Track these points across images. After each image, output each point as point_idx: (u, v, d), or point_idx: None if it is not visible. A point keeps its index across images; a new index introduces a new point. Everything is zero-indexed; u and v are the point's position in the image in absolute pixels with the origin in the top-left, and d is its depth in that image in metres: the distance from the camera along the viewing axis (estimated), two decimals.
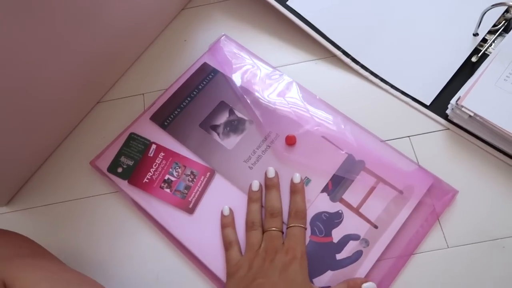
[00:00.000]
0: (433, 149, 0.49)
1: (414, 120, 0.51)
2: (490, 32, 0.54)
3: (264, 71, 0.54)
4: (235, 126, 0.50)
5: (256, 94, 0.52)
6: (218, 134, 0.50)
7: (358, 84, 0.53)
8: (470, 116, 0.46)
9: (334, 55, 0.55)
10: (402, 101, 0.52)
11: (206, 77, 0.54)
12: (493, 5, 0.50)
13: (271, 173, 0.47)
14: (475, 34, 0.53)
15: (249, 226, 0.44)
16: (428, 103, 0.51)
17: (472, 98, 0.47)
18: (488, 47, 0.52)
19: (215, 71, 0.54)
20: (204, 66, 0.55)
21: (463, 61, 0.52)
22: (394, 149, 0.48)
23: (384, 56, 0.54)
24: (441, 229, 0.45)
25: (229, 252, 0.44)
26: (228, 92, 0.52)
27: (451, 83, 0.51)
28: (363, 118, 0.51)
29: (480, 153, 0.48)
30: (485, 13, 0.51)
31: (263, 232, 0.44)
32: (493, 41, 0.53)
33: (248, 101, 0.51)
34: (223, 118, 0.51)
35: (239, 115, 0.51)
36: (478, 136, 0.48)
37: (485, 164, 0.48)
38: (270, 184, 0.46)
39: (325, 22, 0.55)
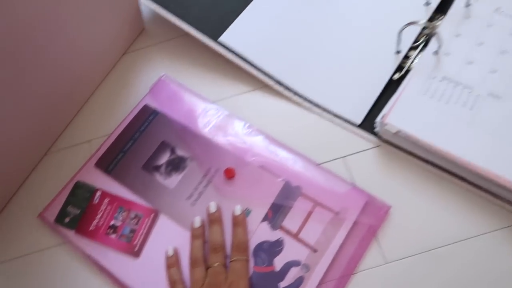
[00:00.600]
0: (367, 167, 0.50)
1: (347, 141, 0.51)
2: (412, 49, 0.55)
3: (202, 107, 0.54)
4: (176, 164, 0.51)
5: (196, 130, 0.52)
6: (160, 174, 0.50)
7: (292, 110, 0.54)
8: (395, 132, 0.47)
9: (268, 85, 0.55)
10: (334, 123, 0.53)
11: (147, 118, 0.54)
12: (406, 24, 0.51)
13: (212, 208, 0.47)
14: (398, 52, 0.54)
15: (192, 263, 0.45)
16: (358, 123, 0.52)
17: (395, 115, 0.48)
18: (410, 64, 0.54)
19: (156, 112, 0.54)
20: (145, 108, 0.55)
21: (388, 79, 0.53)
22: (328, 172, 0.49)
23: (314, 81, 0.54)
24: (378, 246, 0.45)
25: None
26: (169, 132, 0.53)
27: (378, 101, 0.52)
28: (299, 144, 0.51)
29: (410, 166, 0.49)
30: (400, 32, 0.52)
31: (207, 268, 0.44)
32: (415, 57, 0.54)
33: (188, 139, 0.52)
34: (164, 158, 0.51)
35: (180, 153, 0.51)
36: (407, 150, 0.49)
37: (416, 177, 0.48)
38: (212, 219, 0.47)
39: (256, 53, 0.56)
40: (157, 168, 0.51)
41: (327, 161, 0.50)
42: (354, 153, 0.51)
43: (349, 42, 0.56)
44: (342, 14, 0.58)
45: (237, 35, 0.57)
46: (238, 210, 0.47)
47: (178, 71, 0.59)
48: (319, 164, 0.50)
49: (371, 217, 0.46)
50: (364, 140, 0.51)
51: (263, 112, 0.54)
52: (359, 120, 0.52)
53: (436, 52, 0.51)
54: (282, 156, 0.50)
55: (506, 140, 0.45)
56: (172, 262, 0.45)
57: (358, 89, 0.53)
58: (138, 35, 0.63)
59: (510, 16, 0.52)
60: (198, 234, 0.46)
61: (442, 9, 0.56)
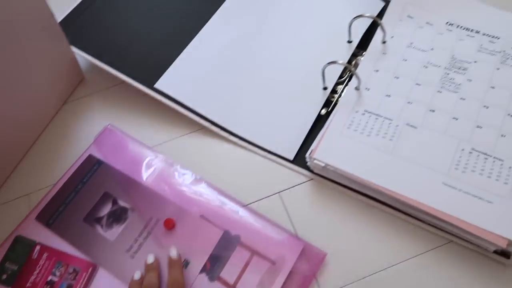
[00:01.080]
0: (301, 200, 0.51)
1: (282, 176, 0.53)
2: (339, 84, 0.57)
3: (145, 154, 0.54)
4: (118, 216, 0.50)
5: (138, 180, 0.52)
6: (102, 226, 0.50)
7: (229, 150, 0.55)
8: (323, 166, 0.49)
9: (204, 127, 0.57)
10: (269, 159, 0.54)
11: (91, 169, 0.54)
12: (327, 63, 0.54)
13: (150, 260, 0.47)
14: (325, 88, 0.57)
15: None
16: (291, 158, 0.53)
17: (322, 150, 0.50)
18: (338, 98, 0.56)
19: (99, 162, 0.54)
20: (89, 158, 0.55)
21: (317, 114, 0.55)
22: (267, 219, 0.49)
23: (248, 120, 0.56)
24: (317, 285, 0.46)
25: None
26: (112, 182, 0.53)
27: (309, 136, 0.54)
28: (236, 184, 0.52)
29: (342, 197, 0.51)
30: (323, 70, 0.54)
31: None
32: (341, 92, 0.56)
33: (130, 189, 0.52)
34: (106, 209, 0.51)
35: (122, 204, 0.51)
36: (337, 181, 0.51)
37: (347, 207, 0.50)
38: (149, 268, 0.46)
39: (191, 97, 0.57)
40: (98, 220, 0.50)
41: (264, 197, 0.52)
42: (289, 188, 0.52)
43: (279, 81, 0.58)
44: (272, 54, 0.60)
45: (172, 81, 0.58)
46: (173, 252, 0.46)
47: (120, 119, 0.59)
48: (257, 201, 0.51)
49: (308, 264, 0.46)
50: (298, 174, 0.53)
51: (202, 154, 0.55)
52: (292, 156, 0.53)
53: (357, 88, 0.54)
54: (223, 203, 0.50)
55: (423, 167, 0.47)
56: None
57: (289, 125, 0.55)
58: (78, 84, 0.63)
59: (422, 50, 0.56)
60: (135, 286, 0.46)
61: (364, 46, 0.59)
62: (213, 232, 0.48)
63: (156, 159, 0.54)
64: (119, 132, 0.57)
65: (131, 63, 0.59)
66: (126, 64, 0.59)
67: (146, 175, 0.53)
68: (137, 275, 0.46)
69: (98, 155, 0.55)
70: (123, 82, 0.59)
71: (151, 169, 0.53)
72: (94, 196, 0.52)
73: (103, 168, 0.54)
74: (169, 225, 0.49)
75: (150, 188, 0.52)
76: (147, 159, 0.54)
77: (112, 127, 0.57)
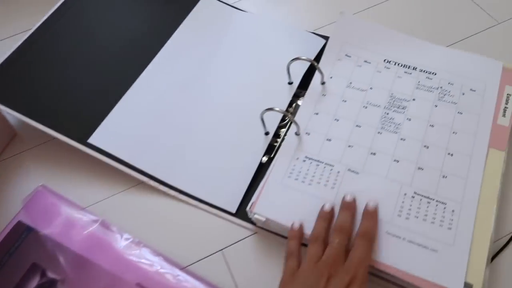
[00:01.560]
0: (244, 257, 0.48)
1: (225, 231, 0.49)
2: (281, 127, 0.55)
3: (79, 218, 0.50)
4: None
5: (71, 247, 0.48)
6: None
7: (169, 205, 0.51)
8: (264, 220, 0.46)
9: (142, 182, 0.53)
10: (212, 213, 0.50)
11: (19, 238, 0.49)
12: (265, 110, 0.51)
13: (348, 198, 0.45)
14: (266, 133, 0.54)
15: (312, 239, 0.43)
16: (234, 211, 0.50)
17: (262, 202, 0.47)
18: (281, 142, 0.53)
19: (29, 229, 0.49)
20: (18, 225, 0.50)
21: (258, 162, 0.52)
22: (207, 282, 0.45)
23: (188, 172, 0.53)
24: None
25: (287, 263, 0.42)
26: (41, 252, 0.48)
27: (252, 186, 0.51)
28: (177, 243, 0.48)
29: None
30: (262, 116, 0.52)
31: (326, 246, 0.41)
32: (284, 136, 0.54)
33: (61, 258, 0.47)
34: (34, 282, 0.46)
35: (51, 275, 0.46)
36: (282, 235, 0.48)
37: None
38: (346, 206, 0.45)
39: (127, 151, 0.53)
40: None
41: (207, 256, 0.48)
42: (232, 244, 0.49)
43: (220, 129, 0.55)
44: (211, 101, 0.57)
45: (106, 135, 0.54)
46: (372, 203, 0.44)
47: (53, 178, 0.54)
48: (199, 261, 0.48)
49: None
50: (241, 228, 0.49)
51: (140, 212, 0.51)
52: (234, 209, 0.50)
53: (297, 133, 0.51)
54: (162, 267, 0.46)
55: None
56: (294, 235, 0.44)
57: (231, 176, 0.52)
58: (10, 141, 0.58)
59: (361, 90, 0.54)
60: (325, 217, 0.44)
61: (305, 85, 0.56)
62: None
63: (90, 221, 0.50)
64: (51, 194, 0.52)
65: (62, 118, 0.55)
66: (58, 120, 0.55)
67: (78, 241, 0.49)
68: (327, 206, 0.45)
69: (27, 221, 0.50)
70: (55, 138, 0.55)
71: (85, 234, 0.49)
72: (22, 268, 0.47)
73: (32, 235, 0.49)
74: None
75: (83, 255, 0.47)
76: (80, 223, 0.50)
77: (43, 188, 0.53)
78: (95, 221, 0.50)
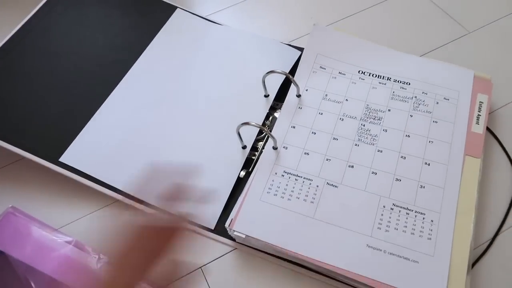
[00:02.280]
0: (225, 274, 0.46)
1: (204, 248, 0.48)
2: (259, 140, 0.54)
3: (51, 239, 0.48)
4: None
5: (44, 271, 0.45)
6: None
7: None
8: (244, 237, 0.45)
9: (117, 200, 0.51)
10: (190, 230, 0.49)
11: None
12: (241, 124, 0.50)
13: None
14: (244, 147, 0.53)
15: None
16: (212, 227, 0.49)
17: (241, 219, 0.46)
18: (259, 156, 0.52)
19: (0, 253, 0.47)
20: None
21: (236, 177, 0.51)
22: None
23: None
24: None
25: None
26: (10, 277, 0.45)
27: (230, 201, 0.50)
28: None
29: (267, 265, 0.46)
30: (238, 130, 0.51)
31: None
32: (262, 149, 0.53)
33: (32, 283, 0.45)
34: None
35: None
36: (261, 250, 0.47)
37: (272, 275, 0.46)
38: None
39: (100, 169, 0.51)
40: None
41: (186, 274, 0.46)
42: (212, 261, 0.47)
43: (196, 144, 0.54)
44: (187, 116, 0.56)
45: (78, 153, 0.52)
46: None
47: (23, 199, 0.52)
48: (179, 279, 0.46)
49: None
50: (221, 244, 0.48)
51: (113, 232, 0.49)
52: (212, 225, 0.49)
53: (274, 147, 0.50)
54: None
55: (346, 230, 0.44)
56: None
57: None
58: None
59: (337, 102, 0.54)
60: None
61: (282, 98, 0.56)
62: None
63: (64, 243, 0.47)
64: (21, 215, 0.50)
65: (31, 136, 0.53)
66: (26, 139, 0.52)
67: (51, 263, 0.46)
68: None
69: None
70: (24, 157, 0.52)
71: (58, 256, 0.47)
72: None
73: (2, 260, 0.46)
74: None
75: (56, 279, 0.45)
76: (53, 245, 0.47)
77: (13, 209, 0.50)
78: (68, 242, 0.48)
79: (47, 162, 0.51)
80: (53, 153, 0.52)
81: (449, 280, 0.41)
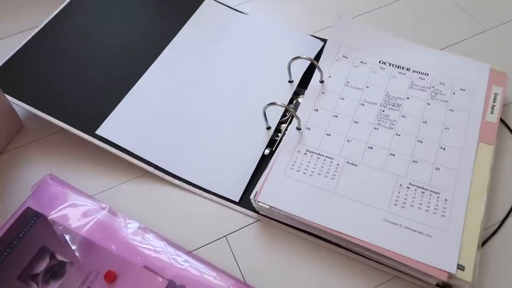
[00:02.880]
0: (248, 243, 0.49)
1: (229, 219, 0.51)
2: (282, 122, 0.57)
3: (86, 204, 0.51)
4: (55, 271, 0.46)
5: (78, 232, 0.49)
6: (37, 284, 0.46)
7: (173, 194, 0.53)
8: (268, 208, 0.48)
9: (148, 171, 0.54)
10: (215, 202, 0.52)
11: (28, 223, 0.50)
12: (267, 104, 0.53)
13: None
14: (268, 128, 0.56)
15: None
16: (237, 200, 0.51)
17: (266, 191, 0.48)
18: (281, 137, 0.55)
19: (38, 215, 0.50)
20: (27, 211, 0.50)
21: (260, 154, 0.54)
22: (213, 266, 0.46)
23: (192, 163, 0.54)
24: None
25: None
26: (50, 236, 0.48)
27: (254, 176, 0.52)
28: (182, 230, 0.50)
29: (289, 237, 0.49)
30: (264, 111, 0.54)
31: None
32: (285, 131, 0.56)
33: (69, 242, 0.48)
34: (43, 265, 0.47)
35: (60, 258, 0.47)
36: (284, 222, 0.49)
37: (295, 247, 0.48)
38: None
39: (133, 142, 0.54)
40: (34, 277, 0.46)
41: (211, 242, 0.49)
42: (236, 230, 0.50)
43: (223, 122, 0.57)
44: (215, 96, 0.59)
45: (113, 127, 0.55)
46: None
47: (60, 167, 0.55)
48: (203, 246, 0.49)
49: None
50: (244, 216, 0.51)
51: (146, 200, 0.52)
52: (237, 198, 0.51)
53: (298, 128, 0.53)
54: (168, 252, 0.47)
55: (365, 204, 0.47)
56: None
57: (234, 167, 0.53)
58: (17, 133, 0.59)
59: (358, 88, 0.56)
60: None
61: (305, 85, 0.58)
62: (157, 283, 0.45)
63: (97, 208, 0.51)
64: (59, 182, 0.53)
65: (71, 110, 0.56)
66: (66, 112, 0.56)
67: (86, 226, 0.49)
68: None
69: (36, 207, 0.51)
70: (63, 129, 0.56)
71: (92, 220, 0.50)
72: (31, 252, 0.47)
73: (41, 220, 0.50)
74: (110, 277, 0.45)
75: (90, 239, 0.48)
76: (88, 209, 0.51)
77: (51, 176, 0.53)
78: (102, 208, 0.51)
79: (84, 134, 0.54)
80: (90, 126, 0.55)
81: (460, 254, 0.43)
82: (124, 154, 0.54)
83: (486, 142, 0.50)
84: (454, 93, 0.55)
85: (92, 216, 0.50)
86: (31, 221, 0.50)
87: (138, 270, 0.46)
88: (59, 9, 0.65)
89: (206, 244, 0.49)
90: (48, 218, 0.50)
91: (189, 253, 0.48)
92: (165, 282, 0.45)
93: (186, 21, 0.67)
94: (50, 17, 0.64)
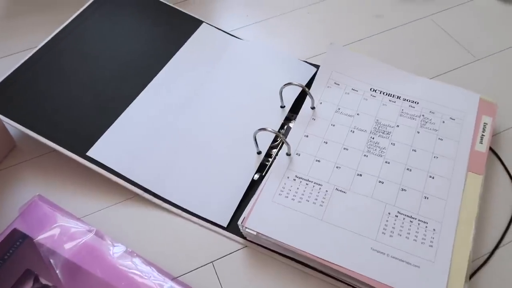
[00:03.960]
0: (235, 269, 0.48)
1: (216, 244, 0.50)
2: (273, 148, 0.56)
3: (74, 226, 0.50)
4: None
5: (64, 255, 0.48)
6: None
7: (162, 217, 0.52)
8: (255, 235, 0.47)
9: (137, 194, 0.53)
10: (203, 227, 0.51)
11: (14, 244, 0.49)
12: (258, 129, 0.53)
13: None
14: (259, 153, 0.56)
15: None
16: (225, 225, 0.51)
17: (254, 217, 0.48)
18: (272, 162, 0.55)
19: (24, 237, 0.49)
20: (13, 232, 0.49)
21: (250, 179, 0.53)
22: None
23: (182, 186, 0.53)
24: None
25: None
26: (35, 258, 0.47)
27: (243, 201, 0.52)
28: (169, 254, 0.49)
29: (277, 264, 0.48)
30: (255, 136, 0.53)
31: None
32: (276, 156, 0.55)
33: (54, 265, 0.47)
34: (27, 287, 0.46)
35: (44, 282, 0.46)
36: (271, 249, 0.48)
37: (282, 274, 0.47)
38: None
39: (123, 165, 0.54)
40: None
41: (198, 267, 0.48)
42: (223, 256, 0.49)
43: (214, 147, 0.56)
44: (206, 120, 0.59)
45: (105, 149, 0.55)
46: None
47: (50, 188, 0.55)
48: (190, 272, 0.48)
49: None
50: (232, 241, 0.50)
51: (134, 224, 0.52)
52: (225, 223, 0.51)
53: (288, 153, 0.53)
54: (153, 277, 0.46)
55: (352, 232, 0.46)
56: None
57: (223, 191, 0.53)
58: (9, 152, 0.59)
59: (348, 115, 0.56)
60: None
61: (297, 110, 0.58)
62: None
63: (85, 231, 0.50)
64: (47, 203, 0.52)
65: (63, 130, 0.56)
66: (58, 132, 0.56)
67: (72, 249, 0.48)
68: None
69: (23, 228, 0.50)
70: (55, 150, 0.55)
71: (79, 243, 0.49)
72: (15, 274, 0.46)
73: (27, 242, 0.49)
74: None
75: (76, 263, 0.47)
76: (75, 232, 0.50)
77: (40, 197, 0.53)
78: (89, 231, 0.50)
79: (75, 155, 0.54)
80: (82, 147, 0.55)
81: (448, 285, 0.42)
82: (114, 176, 0.53)
83: (475, 172, 0.50)
84: (443, 122, 0.55)
85: (79, 239, 0.49)
86: (17, 242, 0.49)
87: None
88: (59, 29, 0.66)
89: (193, 270, 0.48)
90: (35, 240, 0.49)
91: (174, 278, 0.47)
92: None
93: (183, 44, 0.67)
94: (49, 38, 0.65)
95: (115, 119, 0.57)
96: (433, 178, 0.50)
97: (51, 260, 0.48)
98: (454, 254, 0.44)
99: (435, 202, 0.48)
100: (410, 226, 0.46)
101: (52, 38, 0.65)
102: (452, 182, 0.49)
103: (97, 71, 0.62)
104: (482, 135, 0.53)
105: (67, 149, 0.54)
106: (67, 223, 0.51)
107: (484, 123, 0.54)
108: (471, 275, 0.46)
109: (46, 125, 0.56)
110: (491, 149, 0.55)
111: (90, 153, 0.54)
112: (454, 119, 0.55)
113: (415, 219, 0.47)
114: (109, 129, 0.56)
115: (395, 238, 0.45)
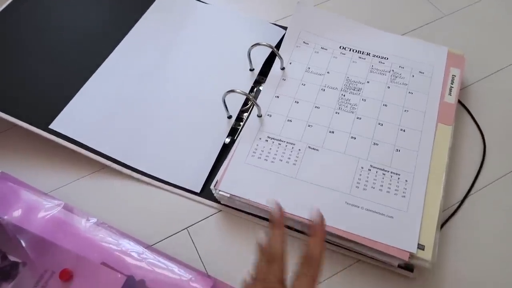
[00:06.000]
0: (210, 234, 0.48)
1: (190, 211, 0.49)
2: (244, 111, 0.55)
3: (40, 202, 0.48)
4: (7, 273, 0.44)
5: (32, 230, 0.46)
6: None
7: (133, 188, 0.51)
8: (229, 197, 0.46)
9: (106, 166, 0.52)
10: (176, 194, 0.50)
11: None
12: (226, 92, 0.51)
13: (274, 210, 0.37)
14: (229, 117, 0.55)
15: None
16: (198, 191, 0.50)
17: (227, 180, 0.47)
18: (243, 126, 0.54)
19: None
20: None
21: (222, 144, 0.53)
22: (173, 259, 0.45)
23: (151, 155, 0.52)
24: None
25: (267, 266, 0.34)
26: (1, 237, 0.46)
27: (216, 167, 0.51)
28: (142, 224, 0.48)
29: (251, 227, 0.48)
30: (224, 99, 0.52)
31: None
32: (246, 120, 0.54)
33: (22, 242, 0.46)
34: None
35: (13, 259, 0.45)
36: (245, 211, 0.48)
37: (255, 235, 0.47)
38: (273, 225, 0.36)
39: (90, 136, 0.52)
40: None
41: (172, 235, 0.48)
42: (198, 222, 0.49)
43: (183, 113, 0.55)
44: (174, 87, 0.57)
45: (68, 121, 0.53)
46: (317, 216, 0.36)
47: (14, 165, 0.53)
48: (164, 239, 0.47)
49: None
50: (206, 207, 0.49)
51: (104, 196, 0.50)
52: (198, 188, 0.50)
53: (259, 115, 0.52)
54: (126, 247, 0.45)
55: (327, 188, 0.46)
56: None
57: (194, 157, 0.52)
58: None
59: (318, 74, 0.55)
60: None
61: (266, 74, 0.57)
62: (116, 279, 0.43)
63: (52, 205, 0.48)
64: (11, 180, 0.50)
65: (23, 105, 0.53)
66: (18, 107, 0.53)
67: (40, 224, 0.47)
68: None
69: None
70: (16, 125, 0.53)
71: (47, 217, 0.48)
72: None
73: None
74: (65, 276, 0.43)
75: (45, 238, 0.46)
76: (42, 207, 0.48)
77: (3, 174, 0.51)
78: (57, 205, 0.48)
79: (38, 129, 0.52)
80: (44, 120, 0.53)
81: (420, 234, 0.43)
82: (80, 148, 0.52)
83: (445, 123, 0.50)
84: (413, 76, 0.55)
85: (46, 213, 0.48)
86: None
87: (95, 267, 0.44)
88: (10, 1, 0.62)
89: (167, 237, 0.48)
90: (0, 218, 0.47)
91: (148, 247, 0.46)
92: (123, 277, 0.43)
93: (145, 11, 0.65)
94: (2, 7, 0.61)
95: (77, 91, 0.55)
96: (404, 131, 0.50)
97: (18, 237, 0.46)
98: (426, 204, 0.45)
99: (406, 154, 0.48)
100: (383, 178, 0.46)
101: (6, 7, 0.61)
102: (423, 134, 0.50)
103: (55, 42, 0.59)
104: (451, 86, 0.54)
105: (28, 123, 0.52)
106: (33, 199, 0.49)
107: (453, 75, 0.55)
108: (442, 224, 0.47)
109: (5, 100, 0.54)
110: (460, 102, 0.55)
111: (53, 125, 0.52)
112: (423, 73, 0.55)
113: (388, 171, 0.47)
114: (71, 101, 0.54)
115: (368, 191, 0.46)
